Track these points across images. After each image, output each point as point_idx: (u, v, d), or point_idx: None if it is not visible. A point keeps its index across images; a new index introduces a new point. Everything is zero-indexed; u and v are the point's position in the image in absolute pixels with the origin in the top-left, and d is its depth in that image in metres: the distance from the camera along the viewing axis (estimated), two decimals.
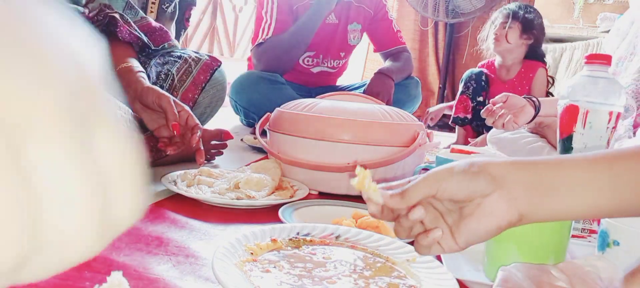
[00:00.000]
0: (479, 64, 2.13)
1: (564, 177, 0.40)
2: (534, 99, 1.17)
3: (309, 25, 1.80)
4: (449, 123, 2.12)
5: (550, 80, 2.03)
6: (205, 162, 1.06)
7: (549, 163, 0.41)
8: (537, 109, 1.15)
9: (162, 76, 1.00)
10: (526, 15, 1.94)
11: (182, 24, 1.47)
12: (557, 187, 0.40)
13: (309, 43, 1.86)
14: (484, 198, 0.40)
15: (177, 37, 1.47)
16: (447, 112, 2.22)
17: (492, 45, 1.98)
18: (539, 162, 0.41)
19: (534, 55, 2.00)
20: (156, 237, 0.60)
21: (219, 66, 1.09)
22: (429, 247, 0.42)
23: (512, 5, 2.00)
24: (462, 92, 2.02)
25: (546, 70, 2.03)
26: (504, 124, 1.12)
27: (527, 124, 1.23)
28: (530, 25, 1.94)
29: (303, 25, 1.80)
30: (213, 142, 1.11)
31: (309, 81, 2.05)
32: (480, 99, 1.99)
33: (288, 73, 1.93)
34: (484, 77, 2.00)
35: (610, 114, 0.69)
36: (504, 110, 1.13)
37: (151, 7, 1.22)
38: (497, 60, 2.03)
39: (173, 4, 1.30)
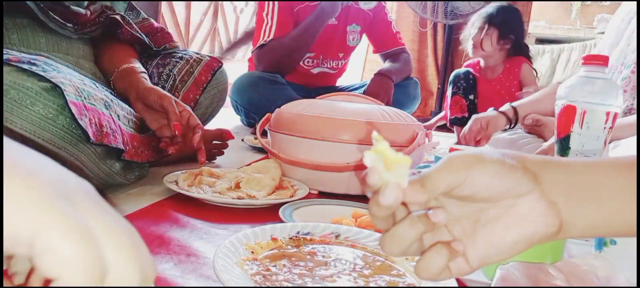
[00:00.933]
0: (465, 64, 2.15)
1: (604, 181, 0.33)
2: (509, 110, 1.30)
3: (311, 30, 1.80)
4: (447, 125, 2.13)
5: (535, 73, 2.06)
6: (207, 161, 1.06)
7: (584, 164, 0.34)
8: (512, 120, 1.29)
9: (164, 77, 1.01)
10: (503, 20, 1.95)
11: None
12: (598, 192, 0.33)
13: (310, 47, 1.87)
14: (518, 199, 0.32)
15: None
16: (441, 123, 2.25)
17: (471, 51, 2.00)
18: (573, 162, 0.34)
19: (517, 51, 2.01)
20: (158, 236, 0.61)
21: (220, 67, 1.10)
22: (441, 269, 0.32)
23: (491, 8, 2.00)
24: (455, 93, 2.04)
25: (530, 63, 2.05)
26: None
27: (524, 124, 1.28)
28: (507, 30, 1.95)
29: (305, 29, 1.80)
30: (214, 142, 1.12)
31: (309, 82, 2.05)
32: (472, 97, 2.01)
33: (288, 74, 1.94)
34: (471, 77, 2.03)
35: (607, 114, 0.69)
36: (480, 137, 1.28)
37: None
38: (482, 61, 2.05)
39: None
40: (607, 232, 0.34)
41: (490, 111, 1.37)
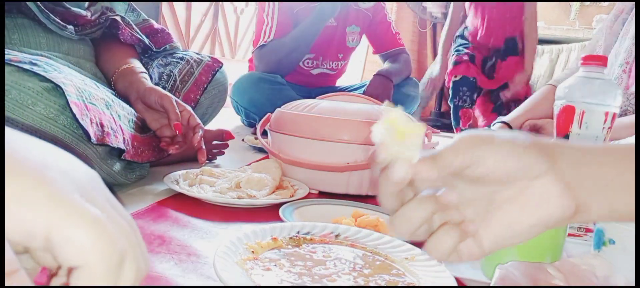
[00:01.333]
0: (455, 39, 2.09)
1: (619, 162, 0.32)
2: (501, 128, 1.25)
3: (310, 30, 1.81)
4: (456, 133, 2.14)
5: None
6: (207, 161, 1.07)
7: (598, 147, 0.33)
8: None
9: (165, 77, 1.01)
10: None
11: None
12: (614, 173, 0.32)
13: (310, 47, 1.87)
14: (533, 181, 0.31)
15: None
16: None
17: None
18: (586, 146, 0.33)
19: None
20: (158, 236, 0.61)
21: (221, 67, 1.10)
22: (451, 250, 0.32)
23: None
24: (461, 106, 2.03)
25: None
26: None
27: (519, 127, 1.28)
28: None
29: (305, 29, 1.81)
30: (214, 142, 1.12)
31: (309, 82, 2.06)
32: (476, 96, 2.00)
33: (288, 74, 1.94)
34: (471, 80, 1.99)
35: (606, 114, 0.70)
36: None
37: None
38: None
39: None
40: (623, 216, 0.33)
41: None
